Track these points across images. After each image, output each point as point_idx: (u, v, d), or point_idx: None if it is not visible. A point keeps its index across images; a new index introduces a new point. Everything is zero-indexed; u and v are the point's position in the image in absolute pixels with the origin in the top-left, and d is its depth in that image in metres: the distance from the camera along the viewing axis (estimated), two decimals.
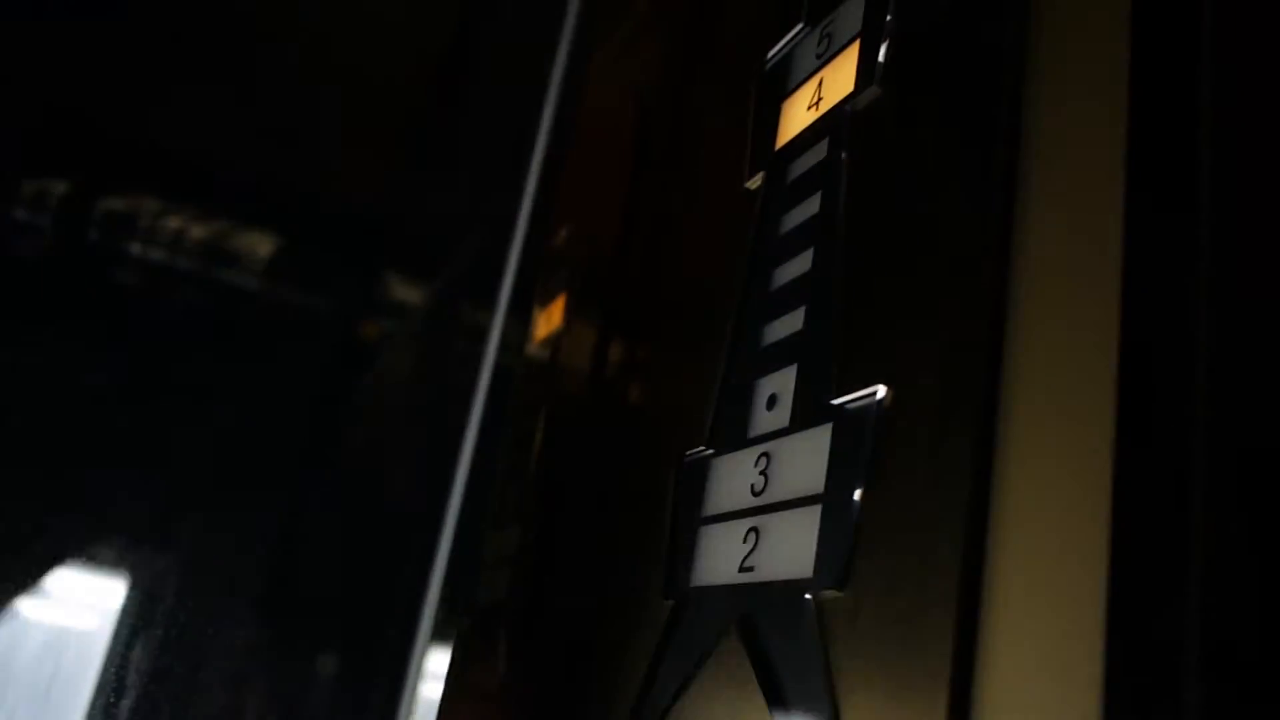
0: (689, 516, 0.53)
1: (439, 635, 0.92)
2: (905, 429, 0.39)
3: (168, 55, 0.96)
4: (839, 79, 0.51)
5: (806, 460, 0.45)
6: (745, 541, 0.47)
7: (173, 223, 0.95)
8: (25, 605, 0.85)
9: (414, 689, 0.92)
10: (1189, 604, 0.30)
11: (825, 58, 0.53)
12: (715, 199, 0.60)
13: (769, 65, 0.58)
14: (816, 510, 0.43)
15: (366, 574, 0.94)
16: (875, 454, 0.40)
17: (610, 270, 0.74)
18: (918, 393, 0.39)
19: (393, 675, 0.91)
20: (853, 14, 0.51)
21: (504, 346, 0.93)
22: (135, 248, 0.93)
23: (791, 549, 0.44)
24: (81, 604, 0.86)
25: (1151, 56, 0.36)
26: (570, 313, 0.78)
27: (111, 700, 0.83)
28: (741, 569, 0.47)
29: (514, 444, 0.83)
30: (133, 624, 0.85)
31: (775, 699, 0.42)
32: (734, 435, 0.51)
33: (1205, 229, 0.33)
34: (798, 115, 0.54)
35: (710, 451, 0.52)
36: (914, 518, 0.37)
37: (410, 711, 0.91)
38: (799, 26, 0.56)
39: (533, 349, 0.85)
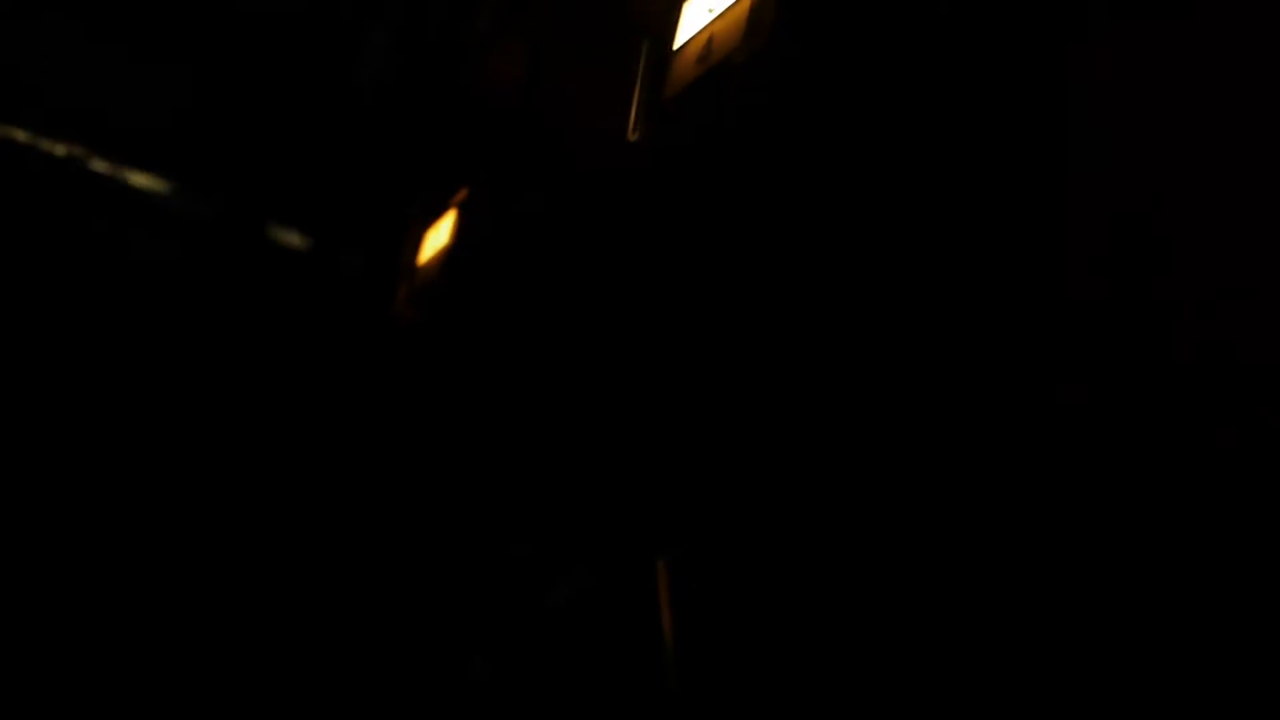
0: (564, 478, 0.52)
1: None
2: (774, 390, 0.39)
3: None
4: (729, 32, 0.49)
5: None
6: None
7: None
8: None
9: None
10: None
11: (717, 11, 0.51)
12: (600, 153, 0.59)
13: (659, 18, 0.57)
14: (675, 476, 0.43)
15: None
16: (743, 420, 0.40)
17: (492, 227, 0.72)
18: (800, 359, 0.39)
19: None
20: None
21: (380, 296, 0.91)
22: None
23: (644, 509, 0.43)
24: None
25: None
26: (449, 267, 0.76)
27: None
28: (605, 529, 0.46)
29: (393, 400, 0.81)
30: None
31: (628, 652, 0.42)
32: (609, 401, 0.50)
33: None
34: (686, 68, 0.52)
35: (583, 415, 0.52)
36: (765, 483, 0.37)
37: None
38: None
39: (406, 306, 0.82)
